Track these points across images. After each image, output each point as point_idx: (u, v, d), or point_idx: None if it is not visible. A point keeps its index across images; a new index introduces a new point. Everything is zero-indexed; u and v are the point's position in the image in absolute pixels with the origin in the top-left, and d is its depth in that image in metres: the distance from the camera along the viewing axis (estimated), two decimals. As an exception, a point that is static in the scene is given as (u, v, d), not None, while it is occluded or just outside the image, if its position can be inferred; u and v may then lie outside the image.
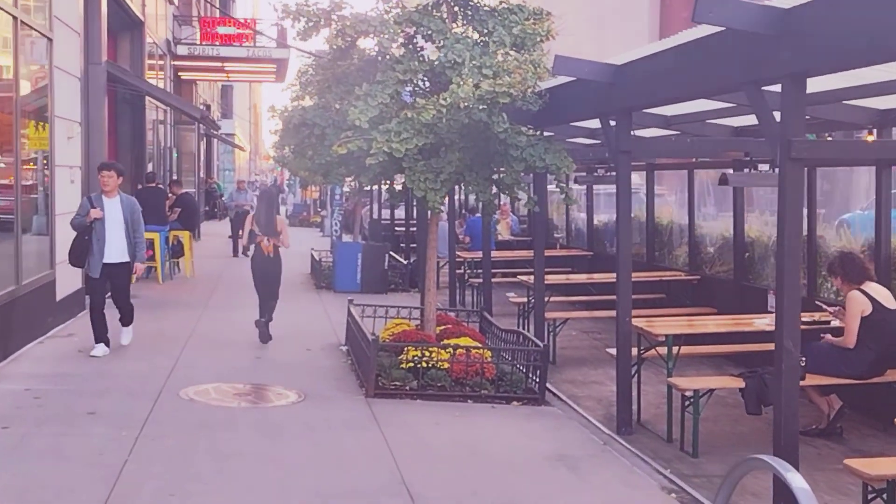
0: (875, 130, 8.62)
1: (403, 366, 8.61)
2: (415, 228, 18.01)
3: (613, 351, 8.24)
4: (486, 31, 8.87)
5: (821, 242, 9.80)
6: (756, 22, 5.26)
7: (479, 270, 14.33)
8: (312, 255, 18.40)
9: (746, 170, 9.18)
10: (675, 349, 8.15)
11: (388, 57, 8.79)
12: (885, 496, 5.41)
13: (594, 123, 10.50)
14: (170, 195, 17.39)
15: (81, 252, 9.45)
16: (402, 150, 7.91)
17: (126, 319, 9.96)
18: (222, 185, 41.91)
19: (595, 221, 16.34)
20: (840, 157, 9.33)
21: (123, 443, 6.57)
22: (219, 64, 27.11)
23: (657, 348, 8.31)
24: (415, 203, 15.25)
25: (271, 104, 10.55)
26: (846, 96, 7.70)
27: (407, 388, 8.47)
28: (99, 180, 9.65)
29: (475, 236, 16.84)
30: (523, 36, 8.65)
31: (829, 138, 10.11)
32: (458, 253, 15.67)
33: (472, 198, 18.44)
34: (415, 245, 17.97)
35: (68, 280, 11.26)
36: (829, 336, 7.82)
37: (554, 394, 9.00)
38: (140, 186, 16.86)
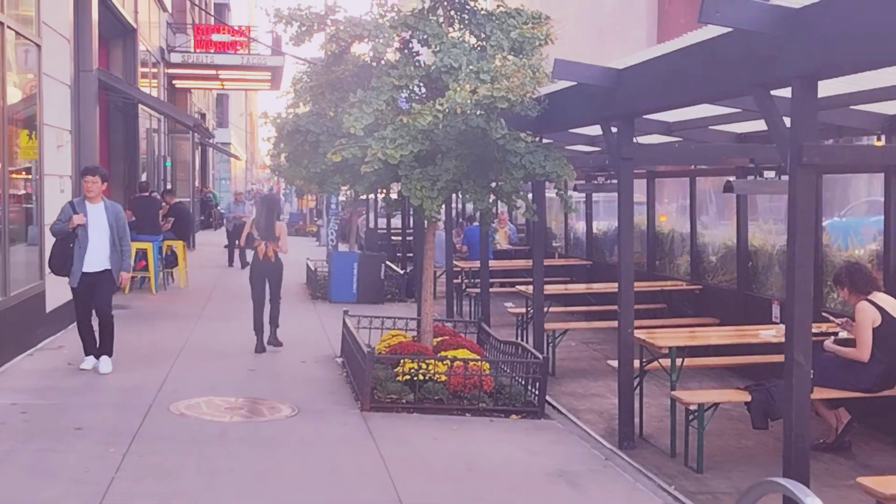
0: (884, 136, 8.44)
1: (400, 378, 8.44)
2: (412, 238, 17.87)
3: (614, 363, 8.06)
4: (483, 35, 8.72)
5: (826, 251, 9.60)
6: (765, 22, 5.08)
7: (477, 280, 14.20)
8: (308, 265, 18.25)
9: (751, 177, 9.00)
10: (678, 361, 7.96)
11: (383, 62, 8.65)
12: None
13: (594, 130, 10.37)
14: (163, 205, 17.22)
15: (64, 259, 9.03)
16: (396, 156, 7.74)
17: (105, 345, 9.24)
18: (218, 195, 41.76)
19: (594, 230, 16.17)
20: (853, 162, 9.12)
21: (111, 459, 6.42)
22: (213, 72, 27.07)
23: (660, 360, 8.11)
24: (411, 212, 15.09)
25: (264, 110, 10.38)
26: (854, 101, 7.53)
27: (403, 401, 8.29)
28: (82, 185, 9.27)
29: (473, 245, 16.70)
30: (521, 40, 8.48)
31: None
32: (455, 262, 15.48)
33: (469, 206, 18.26)
34: (412, 254, 17.83)
35: (58, 291, 11.01)
36: (830, 343, 7.61)
37: (554, 407, 8.83)
38: (133, 196, 16.72)
